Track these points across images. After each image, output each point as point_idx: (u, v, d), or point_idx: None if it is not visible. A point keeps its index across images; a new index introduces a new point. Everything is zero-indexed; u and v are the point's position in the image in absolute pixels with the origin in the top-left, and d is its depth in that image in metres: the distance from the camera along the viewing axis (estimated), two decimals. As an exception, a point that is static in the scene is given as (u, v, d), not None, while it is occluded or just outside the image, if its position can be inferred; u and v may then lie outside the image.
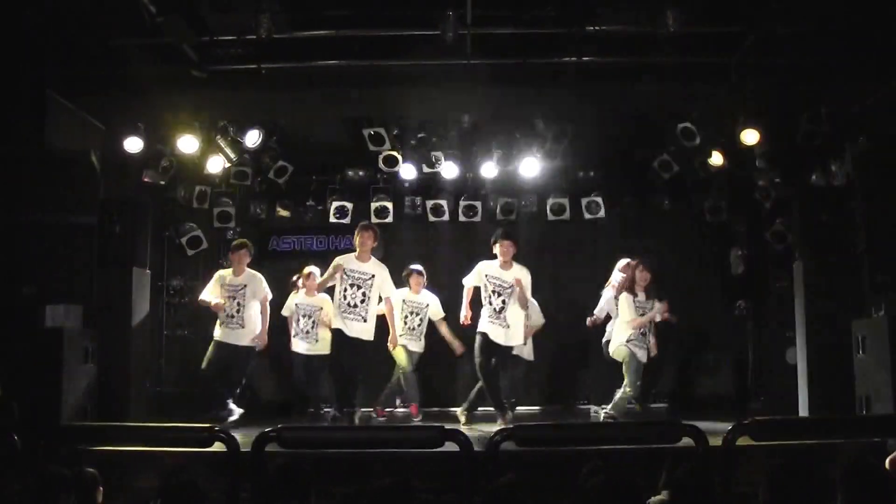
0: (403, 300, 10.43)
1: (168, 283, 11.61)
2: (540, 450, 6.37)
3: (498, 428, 5.16)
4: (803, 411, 9.26)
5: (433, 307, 10.53)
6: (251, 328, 9.58)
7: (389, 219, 11.76)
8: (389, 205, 11.73)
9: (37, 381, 7.37)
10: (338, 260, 9.28)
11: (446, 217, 11.88)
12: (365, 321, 9.10)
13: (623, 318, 9.33)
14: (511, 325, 9.25)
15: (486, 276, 9.29)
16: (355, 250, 9.29)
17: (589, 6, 8.03)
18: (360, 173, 11.91)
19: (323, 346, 10.29)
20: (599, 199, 11.66)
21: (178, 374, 11.45)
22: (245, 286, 9.61)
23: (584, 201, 11.69)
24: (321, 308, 10.40)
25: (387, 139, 10.54)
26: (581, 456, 6.22)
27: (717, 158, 10.20)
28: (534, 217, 12.00)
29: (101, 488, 4.63)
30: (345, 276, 9.11)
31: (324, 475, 4.73)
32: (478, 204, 11.84)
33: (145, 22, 7.71)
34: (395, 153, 10.83)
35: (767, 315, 11.63)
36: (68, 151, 8.63)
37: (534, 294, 9.81)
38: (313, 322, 10.44)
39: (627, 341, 9.24)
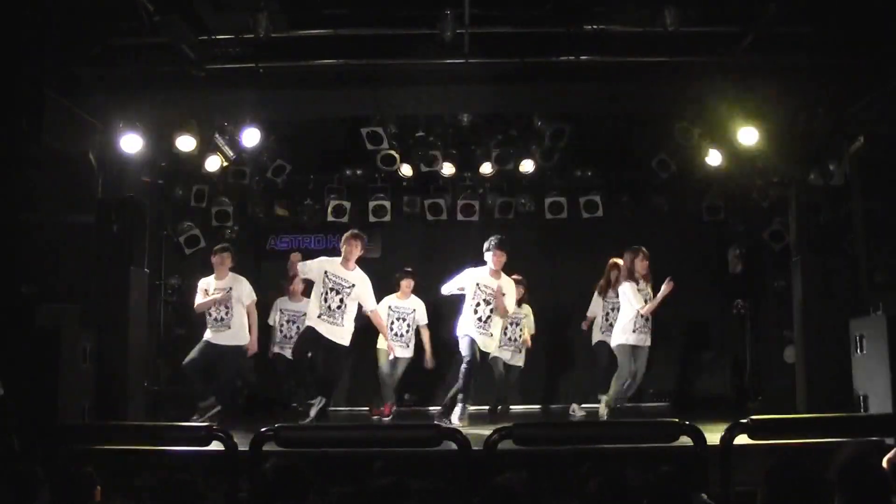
0: (390, 306, 10.45)
1: (166, 283, 11.59)
2: (538, 449, 6.37)
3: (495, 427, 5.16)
4: (801, 410, 9.26)
5: (419, 313, 10.53)
6: (237, 330, 9.55)
7: (387, 218, 11.77)
8: (387, 204, 11.74)
9: (34, 381, 7.35)
10: (323, 260, 9.27)
11: (444, 216, 11.89)
12: (341, 326, 9.05)
13: (632, 307, 9.13)
14: (493, 335, 9.33)
15: (478, 284, 9.25)
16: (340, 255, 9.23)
17: (587, 5, 8.03)
18: (359, 172, 11.92)
19: None
20: (597, 198, 11.67)
21: (175, 373, 11.44)
22: (230, 289, 9.56)
23: (581, 200, 11.70)
24: (304, 314, 10.36)
25: (385, 138, 10.54)
26: (579, 455, 6.24)
27: (714, 158, 10.20)
28: (531, 216, 12.02)
29: (100, 487, 4.62)
30: (326, 280, 9.07)
31: (321, 474, 4.72)
32: (476, 203, 11.84)
33: (143, 21, 7.70)
34: (393, 152, 10.84)
35: (765, 314, 11.65)
36: (66, 150, 8.62)
37: (532, 293, 9.82)
38: (297, 328, 10.44)
39: (633, 331, 9.14)
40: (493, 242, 9.31)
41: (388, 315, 10.37)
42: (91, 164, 9.08)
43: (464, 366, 9.15)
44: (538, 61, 8.91)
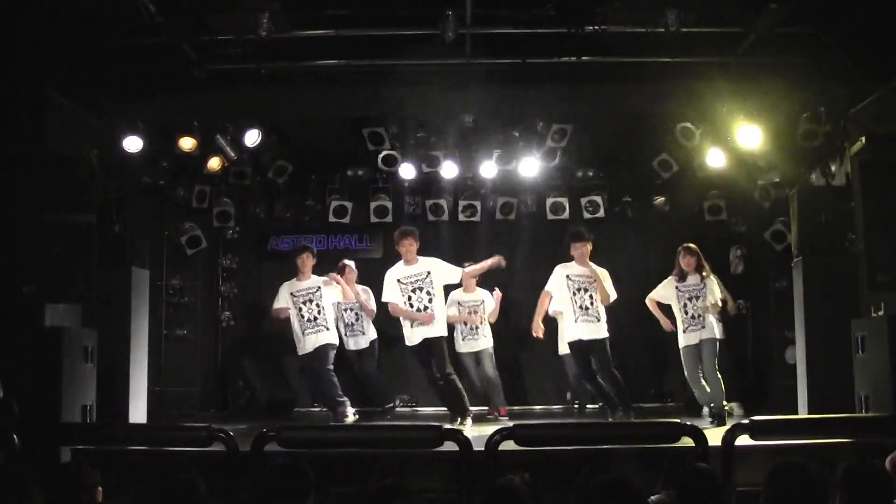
0: (459, 302, 10.55)
1: (167, 283, 11.61)
2: (539, 449, 6.37)
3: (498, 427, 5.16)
4: (803, 411, 9.25)
5: (488, 303, 10.65)
6: (334, 329, 9.95)
7: (389, 218, 11.77)
8: (389, 204, 11.74)
9: (36, 381, 7.34)
10: (390, 274, 9.38)
11: (446, 217, 11.89)
12: (435, 320, 9.23)
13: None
14: (600, 318, 9.42)
15: (568, 275, 9.44)
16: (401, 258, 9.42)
17: (588, 6, 8.02)
18: (360, 173, 11.92)
19: (368, 338, 10.68)
20: (599, 199, 11.67)
21: (177, 373, 11.46)
22: (319, 287, 9.83)
23: (583, 201, 11.70)
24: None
25: (386, 138, 10.54)
26: (581, 455, 6.24)
27: (716, 158, 10.20)
28: (533, 216, 12.02)
29: (101, 488, 4.62)
30: (402, 287, 9.22)
31: (323, 475, 4.72)
32: (477, 203, 11.84)
33: (145, 21, 7.70)
34: (394, 153, 10.83)
35: (767, 315, 11.64)
36: (67, 151, 8.61)
37: (534, 293, 9.82)
38: (356, 315, 10.61)
39: (684, 332, 9.34)
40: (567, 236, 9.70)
41: (460, 311, 10.51)
42: (93, 164, 9.07)
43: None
44: (540, 62, 8.92)
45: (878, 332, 7.92)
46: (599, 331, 9.33)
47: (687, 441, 4.97)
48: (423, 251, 10.62)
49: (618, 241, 11.93)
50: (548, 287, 9.60)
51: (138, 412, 9.55)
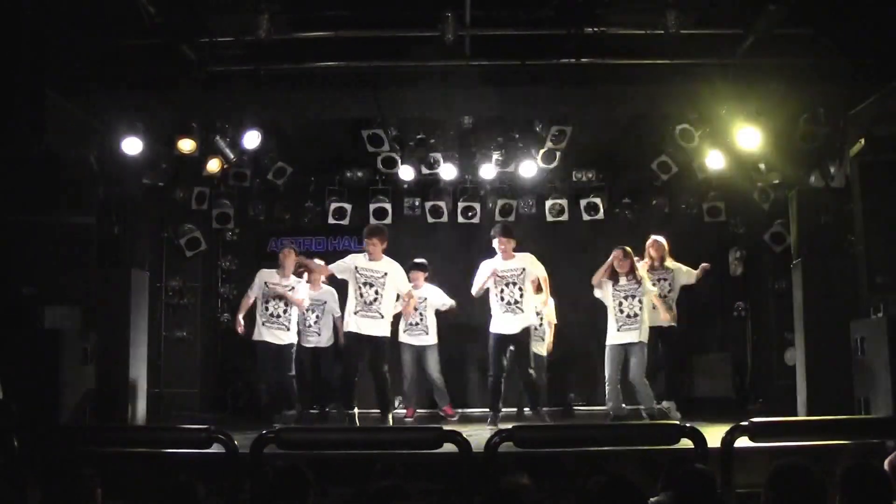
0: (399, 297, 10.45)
1: (167, 284, 11.61)
2: (539, 451, 6.36)
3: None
4: (802, 413, 9.25)
5: (432, 299, 10.52)
6: (294, 330, 10.05)
7: (388, 220, 11.76)
8: (388, 206, 11.74)
9: (35, 382, 7.35)
10: (351, 257, 9.50)
11: (445, 218, 11.89)
12: (381, 317, 9.29)
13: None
14: (525, 311, 9.43)
15: (495, 270, 9.41)
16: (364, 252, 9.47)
17: (588, 7, 8.02)
18: (359, 174, 11.92)
19: (326, 339, 10.60)
20: (598, 201, 11.67)
21: (176, 374, 11.45)
22: (293, 287, 9.95)
23: (582, 202, 11.71)
24: (325, 302, 10.56)
25: (386, 140, 10.54)
26: (580, 457, 6.23)
27: (715, 160, 10.20)
28: (532, 218, 12.01)
29: (100, 490, 4.62)
30: (357, 275, 9.29)
31: (322, 477, 4.71)
32: (477, 205, 11.84)
33: (144, 22, 7.70)
34: (393, 154, 10.84)
35: (766, 316, 11.64)
36: (67, 152, 8.61)
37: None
38: (317, 316, 10.52)
39: (618, 330, 9.43)
40: (495, 230, 9.61)
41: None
42: (92, 165, 9.07)
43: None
44: (539, 63, 8.92)
45: (877, 333, 7.92)
46: (523, 322, 9.40)
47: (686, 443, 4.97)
48: (423, 252, 10.67)
49: (617, 242, 11.88)
50: (474, 289, 9.65)
51: (138, 413, 9.55)
